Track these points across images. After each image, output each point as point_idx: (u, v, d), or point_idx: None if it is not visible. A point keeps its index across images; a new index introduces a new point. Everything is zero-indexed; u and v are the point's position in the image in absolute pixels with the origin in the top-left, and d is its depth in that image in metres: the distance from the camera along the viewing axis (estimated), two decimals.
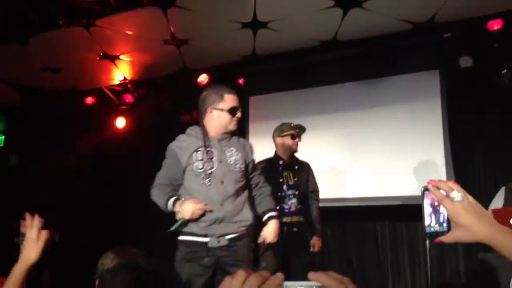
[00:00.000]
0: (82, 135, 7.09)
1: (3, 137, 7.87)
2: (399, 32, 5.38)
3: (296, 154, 4.39)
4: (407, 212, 5.22)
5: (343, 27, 5.22)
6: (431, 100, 5.52)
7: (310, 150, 5.07)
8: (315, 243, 4.21)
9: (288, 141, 4.25)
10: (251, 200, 3.17)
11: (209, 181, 2.92)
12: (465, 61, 5.29)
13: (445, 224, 1.15)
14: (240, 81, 6.56)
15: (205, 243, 2.90)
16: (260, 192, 3.21)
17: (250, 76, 6.58)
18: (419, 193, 1.22)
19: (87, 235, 6.92)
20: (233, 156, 3.02)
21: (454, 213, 1.11)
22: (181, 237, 2.98)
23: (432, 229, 1.17)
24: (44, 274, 5.55)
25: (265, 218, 3.10)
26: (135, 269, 1.76)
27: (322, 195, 4.59)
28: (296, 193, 4.18)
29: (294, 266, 4.04)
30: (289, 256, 4.07)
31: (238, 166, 3.01)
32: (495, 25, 5.00)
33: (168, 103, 6.80)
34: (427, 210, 1.18)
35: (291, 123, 4.33)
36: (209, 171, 2.93)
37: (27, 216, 1.91)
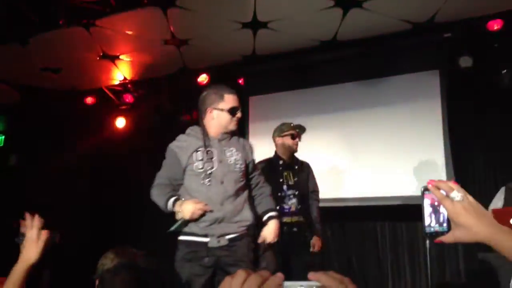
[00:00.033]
0: (82, 135, 7.10)
1: (3, 137, 7.87)
2: (399, 32, 5.38)
3: (296, 154, 4.38)
4: (407, 212, 5.22)
5: (343, 27, 5.22)
6: (431, 100, 5.52)
7: (310, 150, 5.07)
8: (315, 243, 4.21)
9: (288, 141, 4.25)
10: (251, 200, 3.17)
11: (209, 181, 2.92)
12: (465, 61, 5.29)
13: (445, 224, 1.15)
14: (240, 81, 6.56)
15: (205, 243, 2.90)
16: (260, 192, 3.21)
17: (250, 76, 6.58)
18: (419, 193, 1.22)
19: (87, 235, 6.92)
20: (233, 156, 3.02)
21: (454, 213, 1.11)
22: (181, 237, 2.98)
23: (432, 229, 1.17)
24: (45, 274, 5.56)
25: (265, 218, 3.10)
26: (135, 269, 1.76)
27: (322, 195, 4.59)
28: (296, 193, 4.18)
29: (294, 266, 4.04)
30: (289, 256, 4.07)
31: (238, 166, 3.01)
32: (495, 25, 5.00)
33: (168, 103, 6.81)
34: (427, 210, 1.18)
35: (291, 123, 4.33)
36: (209, 171, 2.93)
37: (27, 216, 1.91)
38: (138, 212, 7.08)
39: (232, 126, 3.05)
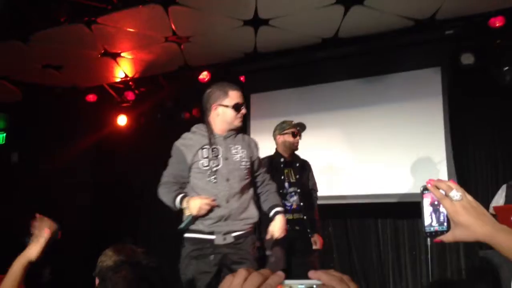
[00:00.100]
0: (83, 132, 7.11)
1: (4, 134, 7.88)
2: (401, 29, 5.37)
3: (297, 152, 4.39)
4: (408, 209, 5.21)
5: (345, 24, 5.21)
6: (432, 97, 5.52)
7: (312, 147, 5.08)
8: (317, 240, 4.22)
9: (289, 139, 4.25)
10: (256, 198, 3.18)
11: (215, 178, 2.92)
12: (467, 58, 5.29)
13: (445, 224, 1.15)
14: (242, 79, 6.56)
15: (211, 241, 2.91)
16: (266, 189, 3.22)
17: (251, 74, 6.58)
18: (420, 188, 1.22)
19: (88, 233, 6.95)
20: (239, 153, 3.03)
21: (454, 212, 1.11)
22: (187, 235, 2.99)
23: (432, 228, 1.17)
24: (45, 272, 5.58)
25: (271, 213, 3.10)
26: (137, 266, 1.77)
27: (324, 192, 4.59)
28: (298, 190, 4.19)
29: (296, 264, 4.05)
30: (291, 253, 4.07)
31: (243, 163, 3.02)
32: (497, 22, 4.98)
33: (169, 101, 6.81)
34: (427, 209, 1.18)
35: (292, 121, 4.33)
36: (215, 169, 2.93)
37: (38, 217, 1.92)
38: (139, 209, 7.11)
39: (238, 122, 3.06)
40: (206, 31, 5.44)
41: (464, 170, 5.51)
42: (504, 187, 4.53)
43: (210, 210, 2.88)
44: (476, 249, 4.75)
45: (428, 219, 1.18)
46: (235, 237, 2.94)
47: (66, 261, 5.20)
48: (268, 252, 3.18)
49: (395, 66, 5.74)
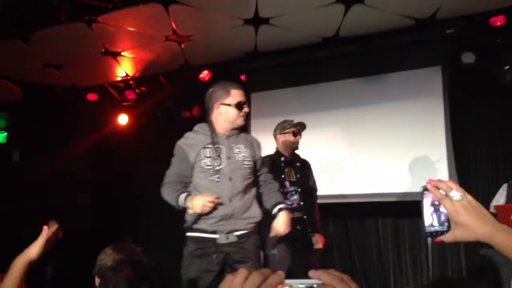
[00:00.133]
0: (83, 131, 7.11)
1: (6, 133, 7.88)
2: (402, 28, 5.36)
3: (298, 151, 4.39)
4: (409, 208, 5.21)
5: (345, 23, 5.21)
6: (433, 96, 5.52)
7: (312, 146, 5.08)
8: (318, 240, 4.22)
9: (289, 138, 4.26)
10: (258, 197, 3.18)
11: (218, 177, 2.92)
12: (468, 57, 5.29)
13: (445, 224, 1.15)
14: (242, 78, 6.55)
15: (214, 240, 2.92)
16: (269, 188, 3.22)
17: (251, 73, 6.58)
18: (420, 188, 1.22)
19: (89, 231, 6.95)
20: (241, 153, 3.03)
21: (454, 212, 1.11)
22: (190, 234, 2.99)
23: (432, 228, 1.17)
24: (48, 269, 5.58)
25: (275, 211, 3.09)
26: (138, 266, 1.77)
27: (324, 191, 4.59)
28: (299, 190, 4.19)
29: (296, 263, 4.05)
30: (292, 253, 4.08)
31: (246, 163, 3.02)
32: (498, 21, 4.98)
33: (170, 100, 6.81)
34: (428, 209, 1.18)
35: (292, 120, 4.34)
36: (217, 168, 2.93)
37: (51, 223, 1.93)
38: (140, 208, 7.11)
39: (240, 121, 3.06)
40: (206, 30, 5.44)
41: (464, 169, 5.51)
42: (505, 186, 4.53)
43: (214, 208, 2.87)
44: (476, 248, 4.74)
45: (429, 219, 1.18)
46: (238, 236, 2.94)
47: (67, 259, 5.20)
48: (273, 251, 3.15)
49: (395, 65, 5.74)
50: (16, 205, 6.25)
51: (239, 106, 3.02)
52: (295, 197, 4.16)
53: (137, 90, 7.00)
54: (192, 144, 3.01)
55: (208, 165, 2.94)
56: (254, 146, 3.16)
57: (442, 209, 1.15)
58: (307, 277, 0.74)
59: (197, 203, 2.82)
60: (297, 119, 4.41)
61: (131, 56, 6.11)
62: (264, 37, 5.54)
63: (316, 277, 0.74)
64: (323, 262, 5.24)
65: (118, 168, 7.20)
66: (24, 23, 5.09)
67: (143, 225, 7.10)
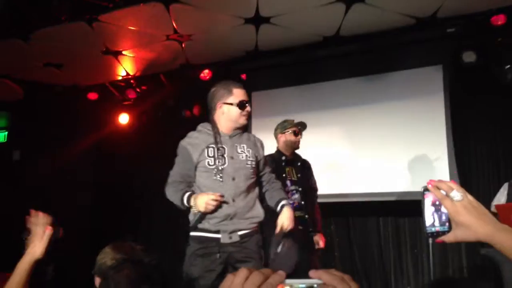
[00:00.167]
0: (84, 130, 7.11)
1: (6, 133, 7.89)
2: (402, 27, 5.36)
3: (299, 150, 4.39)
4: (410, 207, 5.21)
5: (346, 22, 5.20)
6: (434, 95, 5.51)
7: (314, 145, 5.08)
8: (319, 240, 4.23)
9: (290, 137, 4.26)
10: (262, 196, 3.18)
11: (221, 177, 2.92)
12: (469, 56, 5.28)
13: (446, 224, 1.15)
14: (243, 77, 6.55)
15: (217, 239, 2.92)
16: (272, 187, 3.22)
17: (252, 72, 6.57)
18: (421, 189, 1.22)
19: (89, 231, 6.95)
20: (244, 152, 3.03)
21: (455, 213, 1.11)
22: (193, 233, 2.99)
23: (433, 229, 1.17)
24: (48, 270, 5.58)
25: (278, 207, 3.09)
26: (139, 265, 1.77)
27: (325, 190, 4.58)
28: (300, 189, 4.20)
29: (298, 263, 4.05)
30: (298, 249, 4.07)
31: (249, 162, 3.02)
32: (498, 21, 4.98)
33: (171, 99, 6.81)
34: (428, 210, 1.18)
35: (293, 120, 4.35)
36: (221, 167, 2.93)
37: (32, 212, 1.92)
38: (140, 207, 7.11)
39: (243, 120, 3.06)
40: (207, 29, 5.43)
41: (465, 168, 5.51)
42: (506, 186, 4.52)
43: (218, 207, 2.87)
44: (477, 247, 4.74)
45: (430, 219, 1.17)
46: (241, 235, 2.94)
47: (68, 259, 5.20)
48: (279, 248, 3.11)
49: (396, 64, 5.74)
50: (16, 204, 6.25)
51: (241, 105, 3.02)
52: (296, 196, 4.16)
53: (138, 89, 6.99)
54: (195, 143, 3.00)
55: (211, 165, 2.94)
56: (257, 146, 3.17)
57: (443, 209, 1.15)
58: (308, 276, 0.74)
59: (200, 202, 2.82)
60: (298, 118, 4.41)
61: (132, 55, 6.11)
62: (265, 36, 5.54)
63: (317, 277, 0.74)
64: (324, 261, 5.25)
65: (118, 167, 7.20)
66: (24, 22, 5.09)
67: (143, 225, 7.10)
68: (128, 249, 1.88)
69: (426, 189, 1.18)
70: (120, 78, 6.90)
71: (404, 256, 5.76)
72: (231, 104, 3.02)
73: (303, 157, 4.45)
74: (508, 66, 5.10)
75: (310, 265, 4.07)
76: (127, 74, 6.73)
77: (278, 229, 3.05)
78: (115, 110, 7.24)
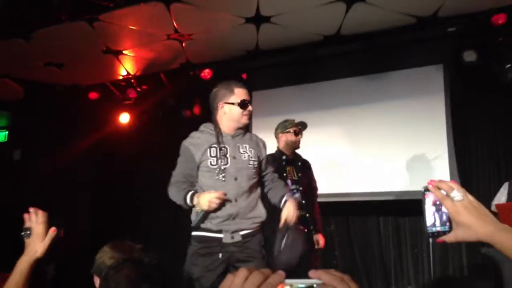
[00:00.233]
0: (85, 129, 7.11)
1: (7, 132, 7.89)
2: (403, 27, 5.36)
3: (299, 150, 4.39)
4: (410, 207, 5.22)
5: (347, 21, 5.20)
6: (435, 94, 5.51)
7: (314, 145, 5.08)
8: (319, 240, 4.23)
9: (291, 137, 4.27)
10: (265, 196, 3.18)
11: (223, 177, 2.92)
12: (469, 56, 5.28)
13: (447, 224, 1.15)
14: (243, 76, 6.55)
15: (219, 239, 2.91)
16: (274, 185, 3.21)
17: (253, 71, 6.57)
18: (421, 188, 1.22)
19: (89, 230, 6.95)
20: (247, 152, 3.03)
21: (455, 213, 1.11)
22: (195, 233, 2.99)
23: (434, 229, 1.17)
24: (49, 268, 5.59)
25: (282, 202, 3.08)
26: (139, 265, 1.77)
27: (326, 190, 4.58)
28: (300, 188, 4.20)
29: (299, 263, 4.05)
30: (304, 239, 4.07)
31: (251, 163, 3.02)
32: (499, 20, 4.97)
33: (171, 98, 6.81)
34: (429, 210, 1.18)
35: (293, 120, 4.35)
36: (223, 167, 2.93)
37: (31, 210, 1.92)
38: (140, 207, 7.11)
39: (244, 120, 3.06)
40: (208, 28, 5.43)
41: (466, 168, 5.51)
42: (506, 185, 4.52)
43: (221, 206, 2.87)
44: (478, 247, 4.74)
45: (431, 218, 1.17)
46: (243, 235, 2.94)
47: (68, 258, 5.21)
48: (283, 241, 3.07)
49: (397, 63, 5.74)
50: (17, 203, 6.25)
51: (243, 104, 3.02)
52: (297, 195, 4.15)
53: (138, 89, 7.00)
54: (197, 143, 3.00)
55: (213, 165, 2.94)
56: (260, 146, 3.17)
57: (443, 209, 1.15)
58: (307, 276, 0.74)
59: (203, 200, 2.81)
60: (298, 117, 4.41)
61: (132, 54, 6.11)
62: (266, 35, 5.54)
63: (317, 277, 0.74)
64: (324, 260, 5.25)
65: (119, 167, 7.21)
66: (25, 22, 5.09)
67: (143, 225, 7.10)
68: (126, 248, 1.88)
69: (426, 189, 1.18)
70: (120, 77, 6.91)
71: (405, 255, 5.76)
72: (233, 103, 3.02)
73: (304, 156, 4.46)
74: (509, 65, 5.10)
75: (310, 264, 4.06)
76: (128, 73, 6.73)
77: (282, 222, 3.04)
78: (115, 109, 7.24)
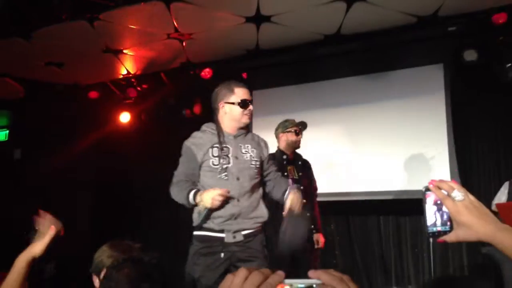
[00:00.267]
0: (85, 129, 7.11)
1: (7, 131, 7.90)
2: (404, 26, 5.36)
3: (300, 148, 4.40)
4: (411, 206, 5.21)
5: (347, 21, 5.20)
6: (435, 93, 5.51)
7: (314, 144, 5.08)
8: (319, 239, 4.24)
9: (292, 137, 4.28)
10: (268, 194, 3.18)
11: (226, 175, 2.93)
12: (470, 55, 5.28)
13: (448, 223, 1.15)
14: (244, 75, 6.55)
15: (221, 239, 2.91)
16: (278, 182, 3.19)
17: (253, 70, 6.56)
18: (422, 188, 1.22)
19: (90, 229, 6.96)
20: (249, 152, 3.03)
21: (456, 212, 1.11)
22: (197, 232, 2.99)
23: (435, 228, 1.17)
24: (49, 267, 5.59)
25: (286, 195, 3.04)
26: (139, 264, 1.77)
27: (326, 189, 4.58)
28: (301, 188, 4.19)
29: (297, 261, 4.05)
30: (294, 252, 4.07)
31: (253, 163, 3.02)
32: (500, 19, 4.97)
33: (172, 98, 6.81)
34: (430, 209, 1.18)
35: (294, 120, 4.36)
36: (225, 167, 2.94)
37: (41, 213, 1.93)
38: (141, 206, 7.11)
39: (245, 119, 3.06)
40: (208, 27, 5.43)
41: (466, 167, 5.50)
42: (506, 184, 4.52)
43: (226, 202, 2.87)
44: (478, 246, 4.74)
45: (432, 218, 1.17)
46: (245, 235, 2.94)
47: (68, 257, 5.21)
48: (285, 222, 3.05)
49: (397, 62, 5.73)
50: (17, 203, 6.26)
51: (243, 104, 3.02)
52: None
53: (138, 88, 7.00)
54: (199, 143, 3.00)
55: (215, 165, 2.94)
56: (261, 145, 3.17)
57: (444, 208, 1.15)
58: (307, 276, 0.74)
59: (207, 197, 2.80)
60: (298, 116, 4.42)
61: (132, 54, 6.11)
62: (266, 34, 5.54)
63: (316, 277, 0.73)
64: (324, 260, 5.25)
65: (119, 166, 7.21)
66: (26, 21, 5.09)
67: (143, 224, 7.10)
68: (125, 247, 1.88)
69: (427, 189, 1.17)
70: (121, 76, 6.90)
71: (405, 255, 5.76)
72: (233, 103, 3.02)
73: (304, 155, 4.46)
74: (509, 64, 5.10)
75: (309, 264, 4.07)
76: (128, 72, 6.73)
77: (286, 211, 3.01)
78: (116, 108, 7.24)
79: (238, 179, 2.94)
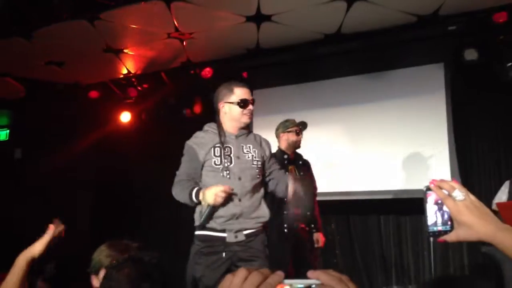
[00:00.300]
0: (85, 128, 7.11)
1: (8, 131, 7.90)
2: (404, 25, 5.35)
3: (300, 148, 4.40)
4: (411, 205, 5.21)
5: (347, 20, 5.20)
6: (435, 93, 5.51)
7: (315, 143, 5.08)
8: (319, 239, 4.24)
9: (292, 137, 4.29)
10: (271, 193, 3.19)
11: (227, 173, 2.93)
12: (470, 54, 5.27)
13: (449, 223, 1.15)
14: (244, 75, 6.55)
15: (223, 238, 2.92)
16: (282, 178, 3.17)
17: (253, 70, 6.56)
18: (422, 187, 1.22)
19: (90, 229, 6.96)
20: (250, 152, 3.04)
21: (456, 212, 1.11)
22: (198, 232, 2.99)
23: (435, 228, 1.17)
24: (49, 267, 5.59)
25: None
26: (140, 263, 1.77)
27: (326, 188, 4.58)
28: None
29: (297, 261, 4.06)
30: (295, 251, 4.08)
31: (255, 163, 3.03)
32: (500, 18, 4.96)
33: (172, 97, 6.81)
34: (430, 209, 1.18)
35: (294, 120, 4.37)
36: (227, 167, 2.94)
37: (55, 221, 1.94)
38: (141, 206, 7.12)
39: (245, 119, 3.07)
40: (208, 27, 5.43)
41: (467, 166, 5.50)
42: (507, 183, 4.51)
43: (229, 199, 2.87)
44: (479, 245, 4.74)
45: (432, 218, 1.17)
46: (246, 235, 2.95)
47: (68, 257, 5.22)
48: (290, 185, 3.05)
49: (397, 62, 5.73)
50: (18, 202, 6.26)
51: (242, 104, 3.03)
52: None
53: (139, 88, 7.00)
54: (201, 143, 3.01)
55: (217, 164, 2.95)
56: (263, 146, 3.18)
57: (445, 208, 1.15)
58: (306, 277, 0.74)
59: (209, 194, 2.80)
60: (299, 116, 4.42)
61: (133, 53, 6.11)
62: (266, 34, 5.53)
63: (315, 277, 0.73)
64: (325, 259, 5.25)
65: (119, 166, 7.21)
66: (26, 21, 5.09)
67: (143, 224, 7.10)
68: (123, 247, 1.88)
69: (428, 188, 1.17)
70: (121, 76, 6.90)
71: (405, 254, 5.76)
72: (232, 103, 3.03)
73: (304, 154, 4.47)
74: (510, 64, 5.09)
75: (309, 264, 4.07)
76: (129, 72, 6.73)
77: (289, 196, 3.00)
78: (116, 108, 7.24)
79: (239, 179, 2.95)
